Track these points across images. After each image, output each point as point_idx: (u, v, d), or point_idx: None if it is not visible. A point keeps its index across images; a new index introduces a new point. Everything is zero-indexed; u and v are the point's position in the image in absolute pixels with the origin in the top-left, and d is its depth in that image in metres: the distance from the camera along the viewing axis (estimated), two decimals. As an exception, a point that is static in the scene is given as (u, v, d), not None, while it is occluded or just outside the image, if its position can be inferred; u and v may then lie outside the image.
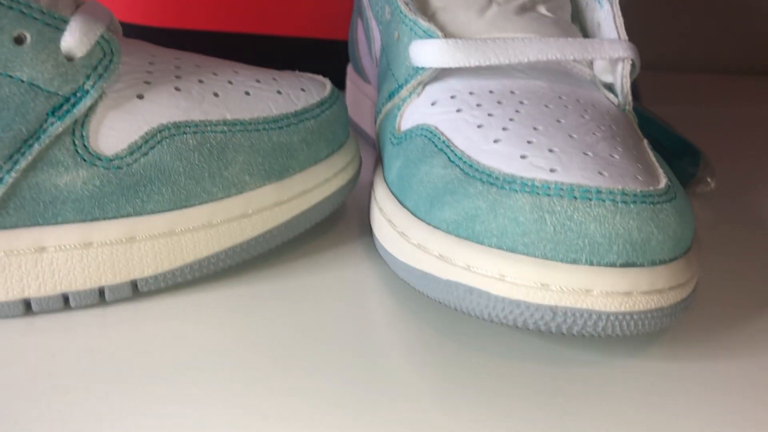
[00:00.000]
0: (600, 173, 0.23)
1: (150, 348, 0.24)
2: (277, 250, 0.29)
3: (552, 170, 0.23)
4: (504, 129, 0.25)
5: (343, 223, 0.33)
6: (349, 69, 0.43)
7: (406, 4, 0.29)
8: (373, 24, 0.35)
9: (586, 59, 0.28)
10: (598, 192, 0.22)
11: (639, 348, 0.25)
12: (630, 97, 0.28)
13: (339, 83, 0.41)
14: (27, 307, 0.25)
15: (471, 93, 0.28)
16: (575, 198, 0.22)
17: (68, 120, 0.24)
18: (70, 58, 0.24)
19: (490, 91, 0.27)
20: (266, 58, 0.44)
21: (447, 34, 0.29)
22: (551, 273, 0.22)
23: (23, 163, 0.24)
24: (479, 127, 0.26)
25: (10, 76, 0.23)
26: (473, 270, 0.23)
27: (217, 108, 0.27)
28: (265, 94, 0.28)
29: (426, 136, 0.27)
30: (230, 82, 0.28)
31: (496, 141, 0.25)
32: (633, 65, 0.28)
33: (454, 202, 0.24)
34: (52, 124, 0.24)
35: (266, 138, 0.27)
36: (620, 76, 0.28)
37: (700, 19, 0.64)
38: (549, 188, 0.22)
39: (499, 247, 0.22)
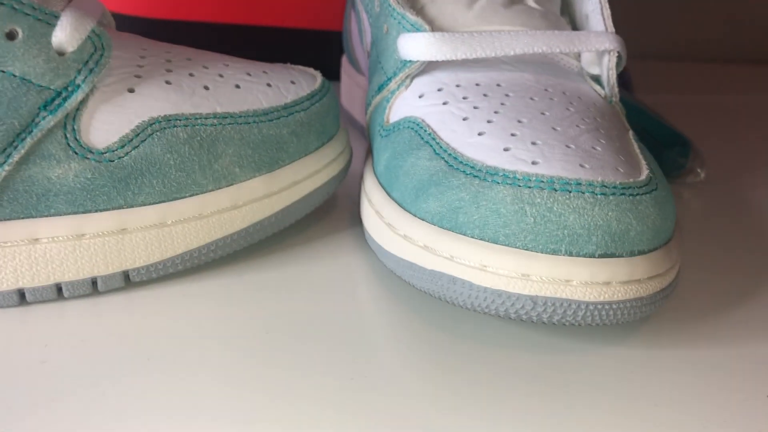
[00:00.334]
0: (581, 165, 0.23)
1: (142, 337, 0.24)
2: (267, 241, 0.29)
3: (534, 162, 0.23)
4: (489, 122, 0.25)
5: (334, 213, 0.33)
6: (344, 60, 0.43)
7: (395, -2, 0.29)
8: (364, 16, 0.35)
9: (572, 51, 0.28)
10: (578, 184, 0.22)
11: (619, 336, 0.25)
12: (616, 89, 0.29)
13: (335, 74, 0.42)
14: (21, 297, 0.25)
15: (458, 86, 0.28)
16: (555, 190, 0.22)
17: (60, 114, 0.24)
18: (61, 53, 0.25)
19: (477, 84, 0.28)
20: (264, 49, 0.45)
21: (435, 27, 0.29)
22: (531, 263, 0.22)
23: (16, 157, 0.24)
24: (465, 119, 0.26)
25: (3, 71, 0.23)
26: (456, 260, 0.23)
27: (208, 101, 0.27)
28: (255, 86, 0.29)
29: (413, 129, 0.27)
30: (221, 76, 0.28)
31: (480, 133, 0.25)
32: (619, 57, 0.29)
33: (438, 193, 0.24)
34: (44, 118, 0.24)
35: (256, 130, 0.28)
36: (606, 68, 0.29)
37: (690, 7, 0.64)
38: (530, 180, 0.23)
39: (481, 238, 0.23)
